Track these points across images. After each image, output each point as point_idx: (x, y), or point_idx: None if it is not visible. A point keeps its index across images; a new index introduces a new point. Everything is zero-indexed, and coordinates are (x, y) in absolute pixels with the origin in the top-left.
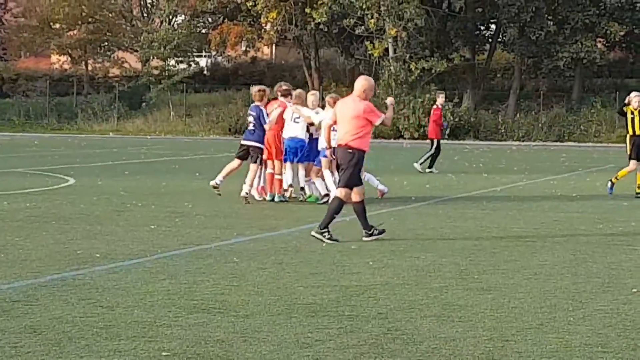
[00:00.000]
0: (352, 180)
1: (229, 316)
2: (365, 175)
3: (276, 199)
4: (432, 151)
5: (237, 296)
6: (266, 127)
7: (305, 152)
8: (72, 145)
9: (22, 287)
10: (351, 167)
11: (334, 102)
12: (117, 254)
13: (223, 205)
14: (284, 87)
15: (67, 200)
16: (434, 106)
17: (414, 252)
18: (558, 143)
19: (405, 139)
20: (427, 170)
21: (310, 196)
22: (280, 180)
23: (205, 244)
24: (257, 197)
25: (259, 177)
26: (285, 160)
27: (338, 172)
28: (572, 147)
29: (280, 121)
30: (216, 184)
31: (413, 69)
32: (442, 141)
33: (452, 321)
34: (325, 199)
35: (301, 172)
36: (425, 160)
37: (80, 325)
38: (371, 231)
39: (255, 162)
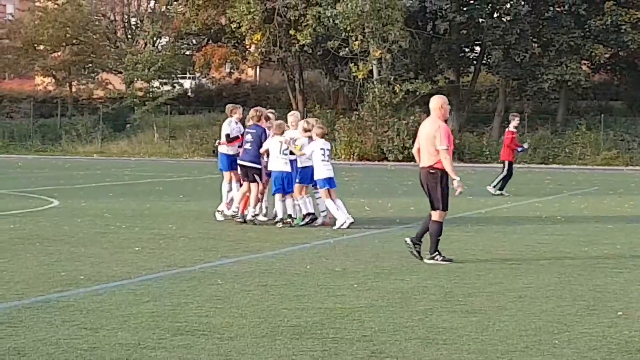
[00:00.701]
0: (444, 200)
1: (213, 338)
2: (336, 202)
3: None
4: (505, 173)
5: (221, 318)
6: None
7: (292, 181)
8: (56, 166)
9: (6, 309)
10: (439, 187)
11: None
12: (101, 276)
13: (207, 227)
14: (266, 112)
15: (51, 222)
16: (507, 129)
17: (399, 275)
18: (543, 165)
19: (389, 161)
20: (498, 192)
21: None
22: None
23: (189, 266)
24: (226, 212)
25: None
26: (275, 192)
27: (424, 190)
28: (556, 170)
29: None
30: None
31: (397, 91)
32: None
33: (437, 344)
34: (306, 219)
35: (289, 200)
36: (498, 183)
37: (64, 347)
38: (434, 255)
39: (255, 181)
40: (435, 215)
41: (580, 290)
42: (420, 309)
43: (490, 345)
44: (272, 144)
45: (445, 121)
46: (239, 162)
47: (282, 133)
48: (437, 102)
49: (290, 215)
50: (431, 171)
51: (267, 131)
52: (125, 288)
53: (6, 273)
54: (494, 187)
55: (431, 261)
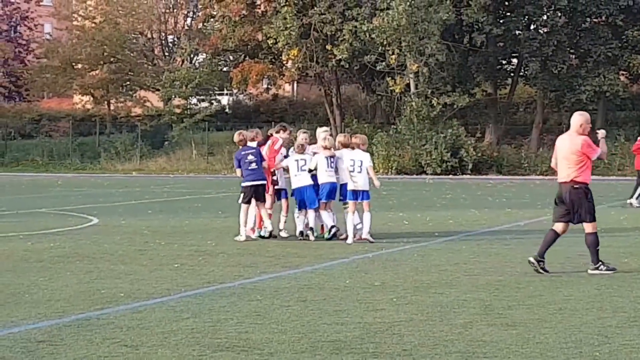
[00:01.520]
0: (593, 211)
1: (253, 354)
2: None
3: (262, 234)
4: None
5: (261, 334)
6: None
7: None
8: (95, 184)
9: (47, 327)
10: (585, 201)
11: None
12: (141, 293)
13: (246, 243)
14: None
15: (90, 240)
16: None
17: (438, 288)
18: None
19: (427, 174)
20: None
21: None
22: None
23: (228, 282)
24: (252, 236)
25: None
26: (305, 207)
27: (561, 203)
28: (595, 181)
29: (272, 159)
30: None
31: (435, 104)
32: (466, 176)
33: (477, 357)
34: (333, 231)
35: (312, 214)
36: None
37: None
38: (598, 265)
39: (264, 199)
40: (589, 228)
41: (620, 302)
42: (459, 322)
43: (530, 358)
44: (291, 162)
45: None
46: (248, 184)
47: (302, 152)
48: (578, 121)
49: (312, 229)
50: (575, 186)
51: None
52: (165, 305)
53: (47, 291)
54: (637, 199)
55: (596, 272)
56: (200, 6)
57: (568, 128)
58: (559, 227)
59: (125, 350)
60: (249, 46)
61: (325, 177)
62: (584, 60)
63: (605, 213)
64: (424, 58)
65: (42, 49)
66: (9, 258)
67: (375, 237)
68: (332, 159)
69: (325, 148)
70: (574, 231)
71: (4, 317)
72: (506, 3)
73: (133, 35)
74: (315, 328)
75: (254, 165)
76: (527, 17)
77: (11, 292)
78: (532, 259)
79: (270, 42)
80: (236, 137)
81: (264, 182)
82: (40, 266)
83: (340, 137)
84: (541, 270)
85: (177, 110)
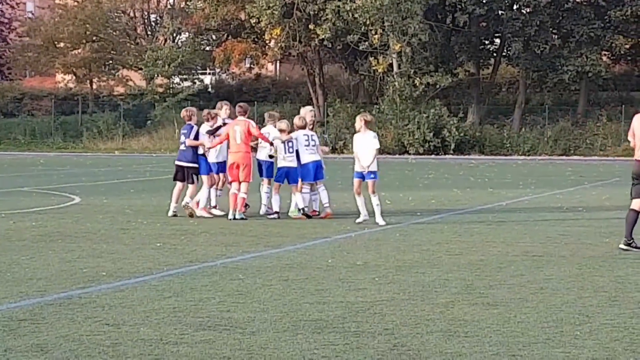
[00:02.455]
0: None
1: (235, 333)
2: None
3: (237, 216)
4: None
5: (243, 313)
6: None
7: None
8: (78, 163)
9: (29, 305)
10: None
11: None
12: (123, 272)
13: (228, 222)
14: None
15: (72, 219)
16: None
17: (420, 268)
18: (564, 157)
19: (410, 154)
20: None
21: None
22: (244, 199)
23: (210, 261)
24: (205, 214)
25: (207, 198)
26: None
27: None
28: (578, 161)
29: (248, 141)
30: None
31: (418, 84)
32: (448, 156)
33: (459, 336)
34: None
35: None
36: None
37: (87, 343)
38: (630, 242)
39: (194, 182)
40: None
41: (601, 282)
42: (441, 302)
43: (511, 337)
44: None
45: None
46: (176, 162)
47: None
48: None
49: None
50: None
51: (194, 127)
52: (147, 284)
53: (28, 270)
54: None
55: (627, 247)
56: None
57: (550, 108)
58: (637, 204)
59: (107, 329)
60: (231, 25)
61: (284, 162)
62: (567, 41)
63: (587, 193)
64: (406, 38)
65: (24, 28)
66: None
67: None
68: (289, 143)
69: (283, 131)
70: (554, 212)
71: None
72: None
73: (115, 14)
74: (297, 307)
75: (182, 146)
76: None
77: None
78: (622, 246)
79: (253, 21)
80: (183, 113)
81: (183, 163)
82: (22, 245)
83: (296, 120)
84: (636, 249)
85: (160, 90)
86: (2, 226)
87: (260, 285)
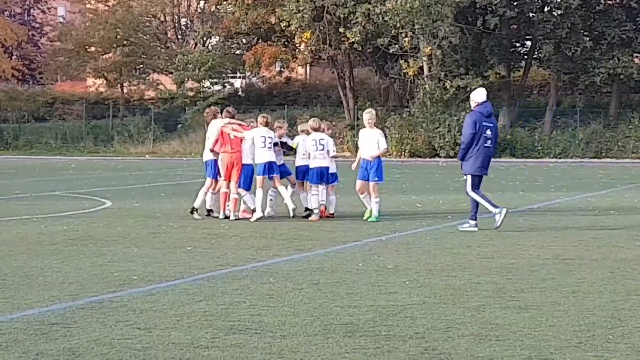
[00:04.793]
0: None
1: (265, 337)
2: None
3: (232, 217)
4: None
5: (274, 317)
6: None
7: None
8: (109, 167)
9: (60, 309)
10: None
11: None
12: (154, 276)
13: (259, 226)
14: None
15: (104, 223)
16: None
17: (451, 271)
18: (595, 160)
19: (440, 157)
20: None
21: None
22: (236, 199)
23: (241, 265)
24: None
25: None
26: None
27: None
28: (609, 164)
29: (238, 142)
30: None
31: (448, 87)
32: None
33: (490, 340)
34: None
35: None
36: None
37: (118, 347)
38: None
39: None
40: None
41: (634, 285)
42: (472, 305)
43: (543, 341)
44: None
45: None
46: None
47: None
48: None
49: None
50: None
51: None
52: (178, 288)
53: (60, 274)
54: None
55: None
56: None
57: (582, 111)
58: None
59: (138, 333)
60: (262, 29)
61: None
62: (598, 43)
63: (619, 196)
64: (437, 40)
65: (55, 32)
66: (23, 241)
67: (388, 220)
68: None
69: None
70: (586, 215)
71: (18, 300)
72: None
73: (146, 18)
74: (327, 311)
75: None
76: None
77: (25, 274)
78: None
79: (283, 24)
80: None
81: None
82: (54, 249)
83: (311, 122)
84: None
85: (190, 94)
86: (34, 230)
87: (290, 289)
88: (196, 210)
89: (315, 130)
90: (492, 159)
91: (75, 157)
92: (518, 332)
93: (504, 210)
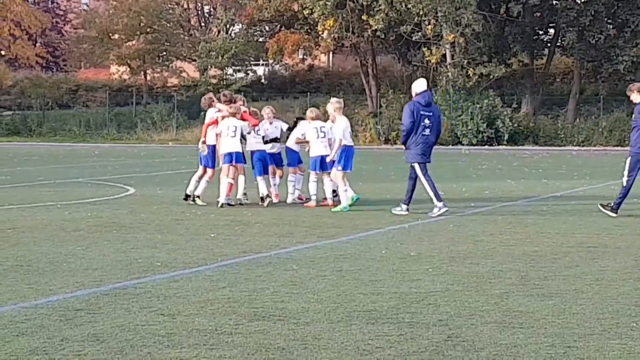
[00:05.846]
0: None
1: (289, 323)
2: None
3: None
4: None
5: (297, 303)
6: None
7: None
8: (132, 154)
9: (85, 295)
10: None
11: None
12: (177, 263)
13: (282, 213)
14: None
15: (127, 210)
16: None
17: (474, 259)
18: (619, 147)
19: (463, 145)
20: None
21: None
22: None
23: (264, 252)
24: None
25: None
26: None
27: None
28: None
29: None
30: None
31: (471, 75)
32: (502, 147)
33: (513, 327)
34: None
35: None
36: None
37: (142, 333)
38: None
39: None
40: None
41: None
42: (496, 292)
43: (567, 329)
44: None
45: None
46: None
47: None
48: None
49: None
50: None
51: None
52: (202, 274)
53: (84, 260)
54: None
55: None
56: None
57: (605, 99)
58: None
59: (162, 319)
60: (284, 16)
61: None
62: (622, 30)
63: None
64: (460, 28)
65: (79, 20)
66: (47, 227)
67: (411, 207)
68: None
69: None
70: (610, 201)
71: (43, 286)
72: None
73: (169, 5)
74: (351, 298)
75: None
76: None
77: (49, 260)
78: None
79: (306, 12)
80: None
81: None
82: (78, 235)
83: (309, 112)
84: None
85: (214, 81)
86: (58, 217)
87: (314, 275)
88: (198, 197)
89: (314, 119)
90: (515, 147)
91: (98, 144)
92: (541, 320)
93: (444, 209)
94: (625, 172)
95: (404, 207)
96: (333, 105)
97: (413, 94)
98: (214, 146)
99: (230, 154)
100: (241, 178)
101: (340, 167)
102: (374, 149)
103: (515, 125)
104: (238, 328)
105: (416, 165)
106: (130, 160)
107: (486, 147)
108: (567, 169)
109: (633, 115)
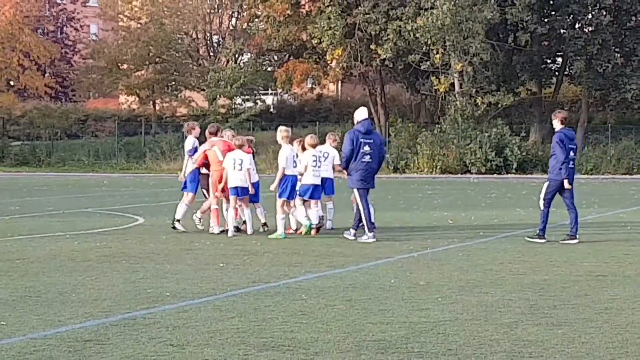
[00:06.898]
0: None
1: (298, 353)
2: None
3: (217, 230)
4: None
5: (307, 333)
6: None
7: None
8: (141, 184)
9: (94, 326)
10: None
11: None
12: (186, 293)
13: (291, 242)
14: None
15: (136, 240)
16: None
17: (483, 288)
18: (627, 176)
19: (472, 173)
20: None
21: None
22: (217, 210)
23: (273, 282)
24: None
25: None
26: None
27: None
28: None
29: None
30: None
31: (479, 104)
32: (510, 175)
33: (523, 357)
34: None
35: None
36: None
37: None
38: None
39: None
40: None
41: None
42: (505, 322)
43: (576, 358)
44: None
45: None
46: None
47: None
48: None
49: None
50: None
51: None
52: (211, 304)
53: (93, 291)
54: None
55: None
56: (245, 6)
57: (613, 127)
58: None
59: (172, 350)
60: (293, 46)
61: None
62: (629, 59)
63: None
64: (468, 57)
65: (88, 50)
66: (56, 257)
67: (420, 236)
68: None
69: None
70: (618, 231)
71: (51, 317)
72: (551, 2)
73: (178, 35)
74: (360, 327)
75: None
76: (572, 15)
77: (58, 291)
78: None
79: (314, 41)
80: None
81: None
82: (87, 265)
83: (308, 139)
84: None
85: (222, 110)
86: (67, 247)
87: (323, 305)
88: (178, 221)
89: (313, 146)
90: (524, 175)
91: (107, 174)
92: (551, 349)
93: (373, 240)
94: (542, 196)
95: (370, 234)
96: (281, 133)
97: (355, 122)
98: (197, 170)
99: (235, 189)
100: (246, 211)
101: (282, 195)
102: (382, 177)
103: (524, 153)
104: (247, 358)
105: (355, 191)
106: (139, 190)
107: (495, 175)
108: (576, 198)
109: (552, 143)
